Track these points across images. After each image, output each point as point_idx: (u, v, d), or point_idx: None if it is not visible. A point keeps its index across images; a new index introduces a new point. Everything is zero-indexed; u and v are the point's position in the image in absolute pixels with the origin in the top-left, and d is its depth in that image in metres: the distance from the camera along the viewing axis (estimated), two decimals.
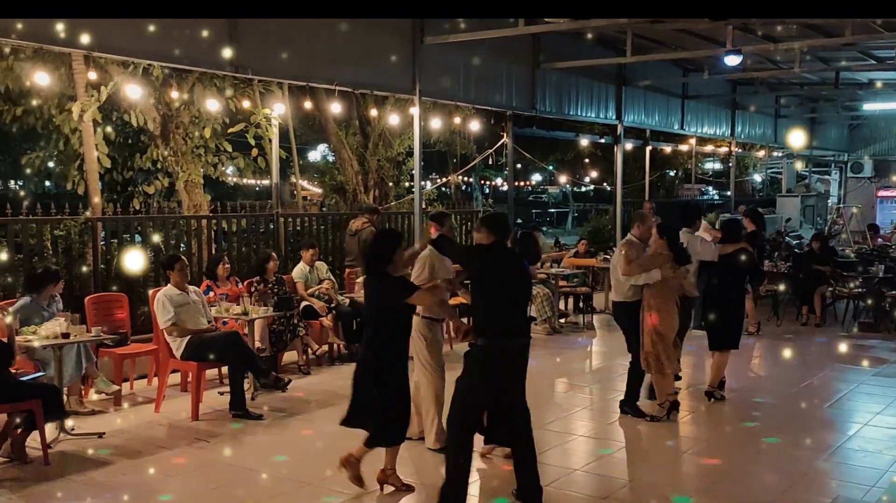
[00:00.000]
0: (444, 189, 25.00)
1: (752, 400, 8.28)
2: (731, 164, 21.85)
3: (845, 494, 5.71)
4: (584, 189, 39.24)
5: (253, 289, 9.09)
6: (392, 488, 5.63)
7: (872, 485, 5.79)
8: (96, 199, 9.78)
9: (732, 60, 11.02)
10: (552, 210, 42.36)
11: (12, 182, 29.31)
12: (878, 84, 17.47)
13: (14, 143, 12.28)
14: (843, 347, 11.01)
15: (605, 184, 24.00)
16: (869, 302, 12.21)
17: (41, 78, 8.92)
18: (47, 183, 24.18)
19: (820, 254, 12.93)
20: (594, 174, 26.07)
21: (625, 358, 7.66)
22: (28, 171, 13.38)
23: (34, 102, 10.40)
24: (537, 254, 6.43)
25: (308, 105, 11.60)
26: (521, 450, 5.46)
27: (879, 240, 16.57)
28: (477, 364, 5.25)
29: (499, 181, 32.27)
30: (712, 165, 26.66)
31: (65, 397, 7.45)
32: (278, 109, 11.02)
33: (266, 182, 19.84)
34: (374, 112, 12.97)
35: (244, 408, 7.50)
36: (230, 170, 12.94)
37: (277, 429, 7.27)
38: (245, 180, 20.93)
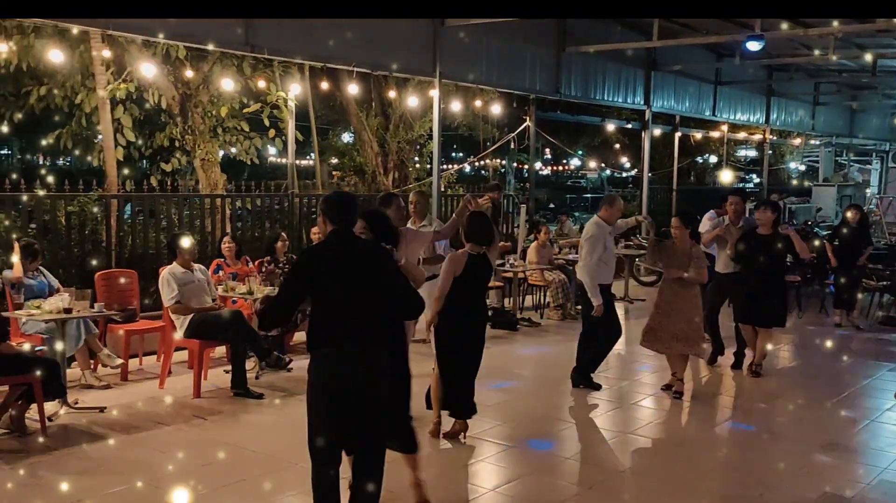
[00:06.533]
0: (482, 172, 24.89)
1: (758, 392, 8.15)
2: (765, 152, 21.43)
3: (835, 491, 5.58)
4: (624, 174, 38.79)
5: (263, 269, 9.14)
6: None
7: (866, 483, 5.66)
8: (112, 176, 9.90)
9: (754, 46, 10.75)
10: (588, 195, 41.98)
11: (34, 158, 29.79)
12: None
13: (35, 120, 12.42)
14: (862, 341, 10.76)
15: (636, 170, 23.71)
16: (893, 296, 11.91)
17: (56, 55, 9.03)
18: (68, 159, 24.59)
19: (858, 229, 11.33)
20: (624, 160, 25.77)
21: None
22: (47, 147, 13.54)
23: (64, 83, 10.51)
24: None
25: (326, 86, 11.60)
26: None
27: None
28: None
29: (538, 165, 32.07)
30: (746, 152, 26.14)
31: (79, 372, 7.62)
32: (294, 90, 11.03)
33: (304, 162, 19.98)
34: (393, 94, 12.93)
35: (245, 387, 7.56)
36: (272, 150, 13.01)
37: (276, 408, 7.33)
38: (282, 160, 21.10)
